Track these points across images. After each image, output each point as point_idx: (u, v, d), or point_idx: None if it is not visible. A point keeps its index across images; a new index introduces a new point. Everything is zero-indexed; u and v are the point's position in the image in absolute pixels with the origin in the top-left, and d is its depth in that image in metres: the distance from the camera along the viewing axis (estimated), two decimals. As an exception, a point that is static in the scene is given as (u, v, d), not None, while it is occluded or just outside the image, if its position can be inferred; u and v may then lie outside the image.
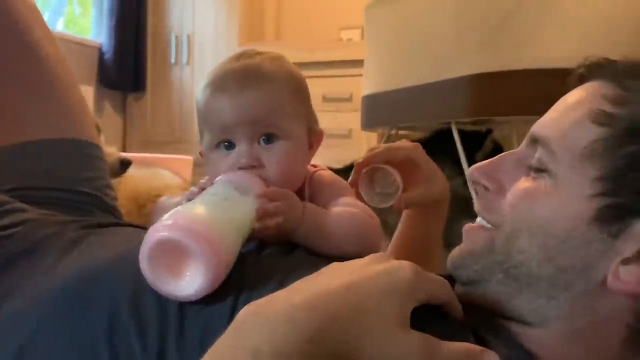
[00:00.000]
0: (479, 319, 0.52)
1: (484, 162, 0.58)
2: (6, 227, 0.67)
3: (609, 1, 1.42)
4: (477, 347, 0.43)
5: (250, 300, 0.44)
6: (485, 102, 1.53)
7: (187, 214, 0.52)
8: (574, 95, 0.54)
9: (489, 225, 0.55)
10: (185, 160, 2.36)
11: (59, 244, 0.64)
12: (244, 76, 0.61)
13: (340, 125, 2.99)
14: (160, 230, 0.50)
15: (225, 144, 0.62)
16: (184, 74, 3.56)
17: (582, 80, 0.55)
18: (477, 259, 0.54)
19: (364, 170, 0.76)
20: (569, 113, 0.52)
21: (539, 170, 0.52)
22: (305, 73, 0.69)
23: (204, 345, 0.43)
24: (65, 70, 0.94)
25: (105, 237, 0.67)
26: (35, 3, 0.97)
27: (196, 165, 2.35)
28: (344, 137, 3.02)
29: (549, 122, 0.54)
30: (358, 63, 2.42)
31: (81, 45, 3.40)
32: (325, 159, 0.73)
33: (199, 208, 0.54)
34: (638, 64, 0.52)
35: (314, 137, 0.67)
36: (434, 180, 0.80)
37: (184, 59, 3.54)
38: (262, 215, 0.57)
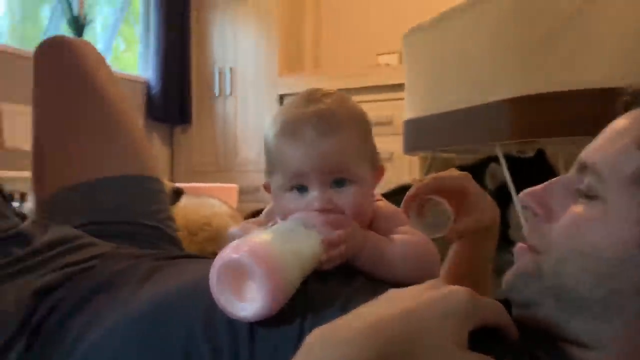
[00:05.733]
0: (536, 340, 0.53)
1: (535, 187, 0.59)
2: (86, 260, 0.72)
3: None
4: None
5: (317, 324, 0.47)
6: (528, 124, 1.53)
7: (251, 239, 0.57)
8: (620, 123, 0.55)
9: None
10: (230, 188, 2.43)
11: (135, 276, 0.68)
12: (318, 125, 0.64)
13: (382, 149, 2.93)
14: (226, 252, 0.54)
15: (298, 187, 0.66)
16: (227, 106, 3.66)
17: (627, 107, 0.57)
18: (527, 282, 0.56)
19: (414, 201, 0.79)
20: (616, 140, 0.54)
21: (589, 196, 0.53)
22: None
23: None
24: (128, 109, 1.00)
25: (178, 268, 0.71)
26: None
27: (241, 193, 2.41)
28: (386, 160, 2.99)
29: (597, 149, 0.55)
30: (396, 87, 2.44)
31: (130, 81, 3.56)
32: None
33: (264, 235, 0.58)
34: None
35: (376, 173, 0.71)
36: (484, 207, 0.81)
37: (227, 91, 3.65)
38: (327, 245, 0.60)
